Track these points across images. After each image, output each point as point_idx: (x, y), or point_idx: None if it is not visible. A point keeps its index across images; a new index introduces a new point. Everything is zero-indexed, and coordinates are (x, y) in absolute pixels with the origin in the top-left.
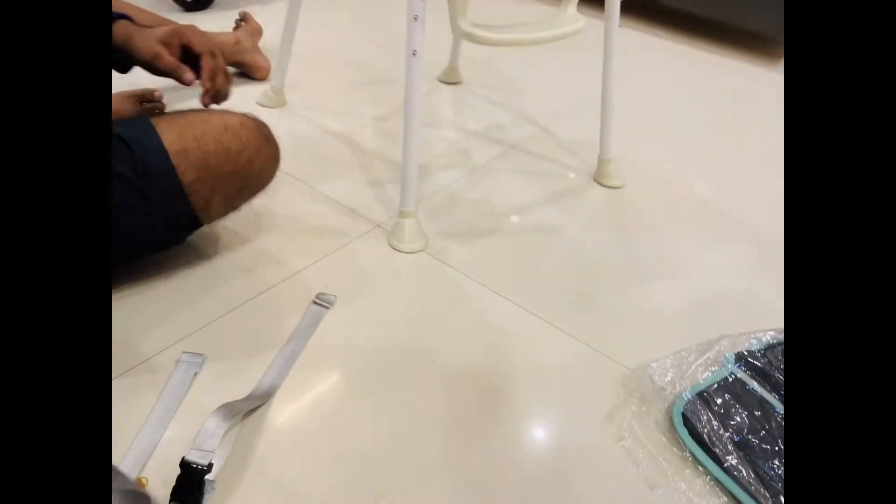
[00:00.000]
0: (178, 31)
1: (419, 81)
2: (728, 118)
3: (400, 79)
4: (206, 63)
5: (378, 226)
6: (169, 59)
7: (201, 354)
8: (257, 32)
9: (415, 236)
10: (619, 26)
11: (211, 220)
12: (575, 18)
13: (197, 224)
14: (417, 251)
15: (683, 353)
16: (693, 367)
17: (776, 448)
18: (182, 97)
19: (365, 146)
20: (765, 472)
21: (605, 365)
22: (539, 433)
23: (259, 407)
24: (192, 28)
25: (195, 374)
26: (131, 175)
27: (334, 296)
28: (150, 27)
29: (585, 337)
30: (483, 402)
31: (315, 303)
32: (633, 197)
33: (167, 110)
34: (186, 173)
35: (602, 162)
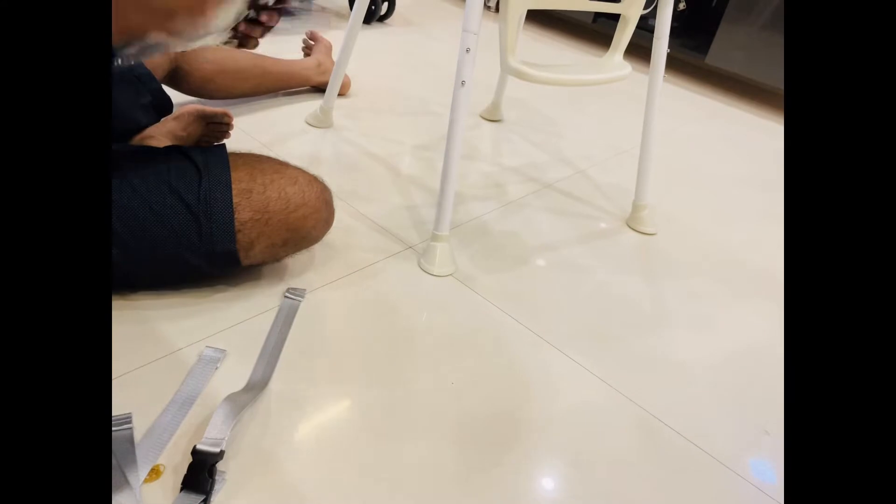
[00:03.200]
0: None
1: (464, 111)
2: (766, 177)
3: (444, 113)
4: None
5: (410, 247)
6: None
7: (223, 350)
8: (329, 48)
9: (445, 261)
10: (664, 80)
11: (250, 262)
12: (621, 65)
13: (236, 262)
14: (446, 275)
15: None
16: None
17: None
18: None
19: (404, 171)
20: None
21: (624, 406)
22: (556, 468)
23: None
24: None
25: (216, 368)
26: (193, 201)
27: (304, 289)
28: None
29: (607, 376)
30: (501, 430)
31: (287, 297)
32: (666, 245)
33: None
34: (242, 212)
35: (636, 207)
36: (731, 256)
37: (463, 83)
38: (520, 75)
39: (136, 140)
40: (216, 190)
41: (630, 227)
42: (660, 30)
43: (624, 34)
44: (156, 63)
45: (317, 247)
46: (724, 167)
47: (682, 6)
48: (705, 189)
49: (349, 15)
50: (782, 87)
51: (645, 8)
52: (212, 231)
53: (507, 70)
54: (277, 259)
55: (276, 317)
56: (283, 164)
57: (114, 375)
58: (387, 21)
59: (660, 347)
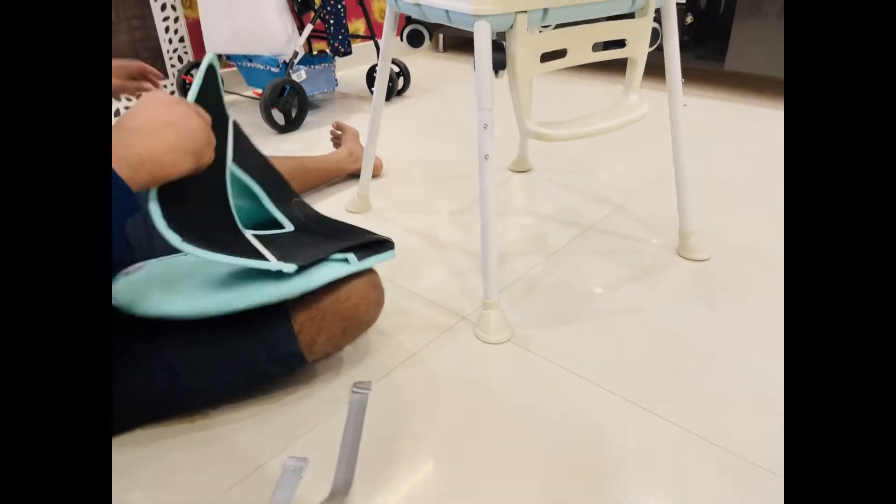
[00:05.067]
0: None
1: (492, 183)
2: None
3: (473, 173)
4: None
5: (463, 318)
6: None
7: (305, 458)
8: (356, 135)
9: (500, 327)
10: (684, 94)
11: (315, 357)
12: (637, 105)
13: (302, 361)
14: (504, 342)
15: None
16: None
17: None
18: None
19: (445, 239)
20: None
21: (706, 450)
22: None
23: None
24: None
25: (300, 477)
26: (251, 316)
27: (370, 381)
28: None
29: (683, 421)
30: (580, 495)
31: (354, 391)
32: (721, 269)
33: None
34: (298, 314)
35: (683, 235)
36: None
37: (486, 157)
38: (539, 137)
39: None
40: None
41: (681, 255)
42: (670, 62)
43: (635, 74)
44: None
45: (373, 332)
46: (762, 173)
47: (689, 19)
48: (749, 201)
49: (369, 96)
50: None
51: (650, 46)
52: (274, 340)
53: (526, 134)
54: (339, 348)
55: (348, 415)
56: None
57: (208, 499)
58: (405, 94)
59: (739, 381)
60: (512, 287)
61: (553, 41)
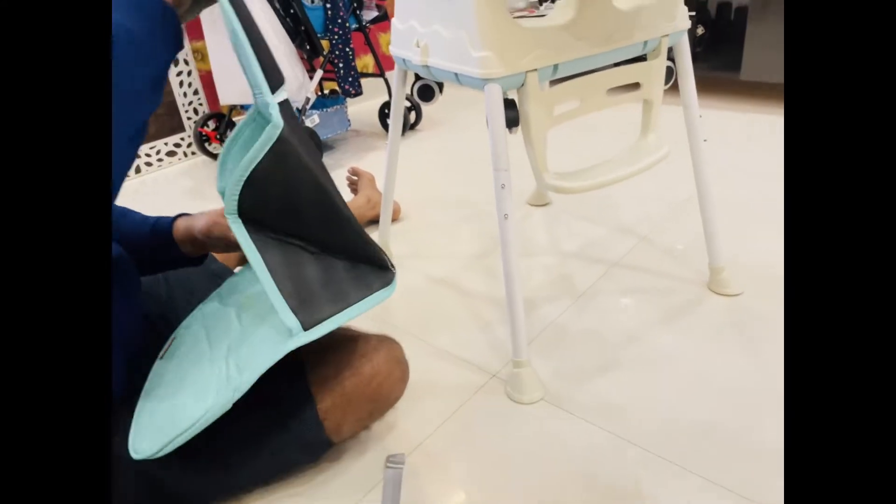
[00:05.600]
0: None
1: (514, 243)
2: None
3: (490, 209)
4: None
5: (494, 376)
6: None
7: (402, 455)
8: (372, 180)
9: (532, 386)
10: (700, 105)
11: (342, 439)
12: (657, 147)
13: (329, 445)
14: (537, 401)
15: None
16: None
17: None
18: None
19: (469, 287)
20: None
21: None
22: None
23: None
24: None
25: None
26: (273, 410)
27: (403, 454)
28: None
29: (734, 485)
30: None
31: (388, 467)
32: (756, 304)
33: None
34: (323, 401)
35: (714, 270)
36: None
37: (506, 216)
38: (558, 190)
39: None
40: (297, 407)
41: (712, 290)
42: (687, 99)
43: (651, 115)
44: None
45: (404, 400)
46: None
47: (700, 30)
48: (777, 223)
49: (383, 133)
50: None
51: (665, 84)
52: (301, 429)
53: (544, 188)
54: (367, 427)
55: (384, 492)
56: (351, 340)
57: None
58: (417, 127)
59: (781, 433)
60: (540, 337)
61: (566, 94)
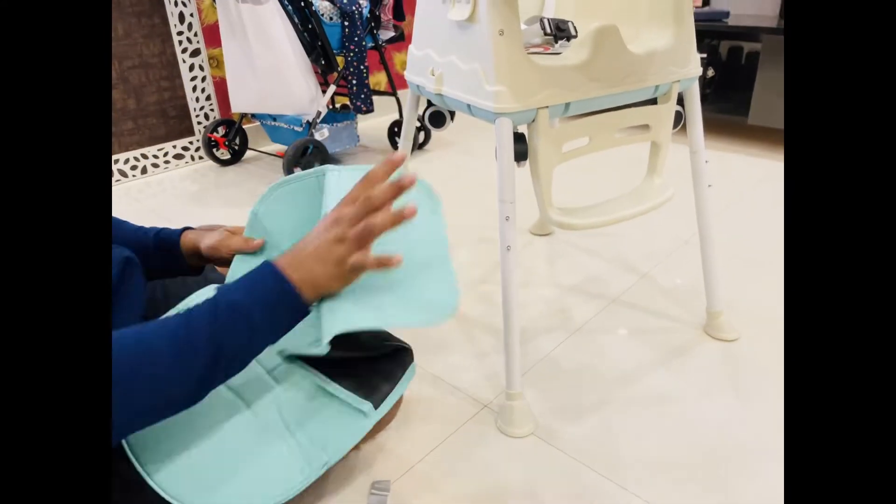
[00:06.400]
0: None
1: (515, 275)
2: None
3: (493, 236)
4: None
5: (485, 406)
6: (237, 238)
7: (388, 482)
8: None
9: (523, 419)
10: (707, 148)
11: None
12: (662, 189)
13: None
14: (527, 435)
15: None
16: None
17: None
18: None
19: (468, 313)
20: None
21: None
22: None
23: None
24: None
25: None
26: None
27: (388, 481)
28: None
29: None
30: None
31: (373, 493)
32: (751, 351)
33: None
34: None
35: (711, 314)
36: None
37: (508, 248)
38: (563, 226)
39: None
40: None
41: (709, 334)
42: (694, 145)
43: (659, 158)
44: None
45: (395, 424)
46: None
47: (710, 73)
48: (776, 269)
49: (391, 149)
50: None
51: (674, 128)
52: None
53: (549, 223)
54: (358, 448)
55: None
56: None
57: None
58: (426, 147)
59: (771, 484)
60: (535, 369)
61: (575, 131)
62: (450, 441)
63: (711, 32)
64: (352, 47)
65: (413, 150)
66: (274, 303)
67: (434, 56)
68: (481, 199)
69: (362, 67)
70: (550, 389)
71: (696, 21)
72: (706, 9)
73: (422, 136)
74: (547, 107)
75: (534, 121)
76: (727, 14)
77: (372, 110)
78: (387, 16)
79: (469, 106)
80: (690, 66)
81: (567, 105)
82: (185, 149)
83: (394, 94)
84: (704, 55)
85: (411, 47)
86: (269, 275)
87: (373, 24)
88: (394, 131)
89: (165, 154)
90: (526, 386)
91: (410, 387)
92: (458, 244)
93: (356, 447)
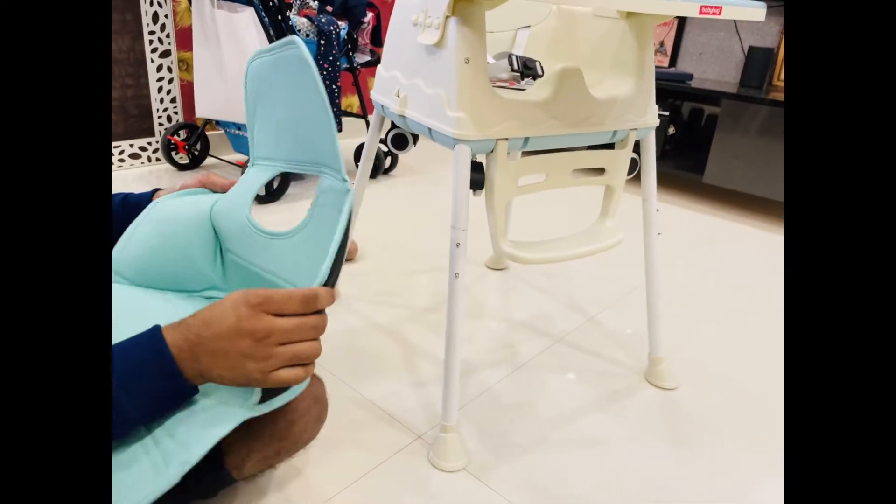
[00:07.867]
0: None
1: (461, 303)
2: (777, 301)
3: (448, 267)
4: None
5: (419, 437)
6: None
7: None
8: None
9: (456, 454)
10: (662, 200)
11: (243, 476)
12: (613, 232)
13: (231, 481)
14: (458, 470)
15: None
16: None
17: None
18: None
19: (411, 340)
20: None
21: None
22: None
23: None
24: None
25: None
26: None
27: None
28: None
29: None
30: None
31: None
32: (689, 400)
33: None
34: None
35: (653, 361)
36: (761, 407)
37: (456, 275)
38: (513, 259)
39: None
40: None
41: (649, 381)
42: (647, 193)
43: (612, 201)
44: None
45: (315, 446)
46: (735, 294)
47: (671, 130)
48: (721, 323)
49: (355, 169)
50: (782, 199)
51: (629, 174)
52: (200, 462)
53: (500, 254)
54: (272, 467)
55: None
56: None
57: None
58: (391, 173)
59: None
60: (473, 403)
61: (533, 167)
62: (376, 472)
63: (675, 92)
64: (325, 66)
65: (378, 174)
66: (158, 397)
67: (400, 77)
68: (441, 229)
69: (334, 87)
70: (487, 426)
71: (660, 79)
72: (671, 69)
73: (388, 161)
74: (507, 139)
75: (492, 151)
76: (691, 76)
77: (339, 130)
78: (364, 40)
79: (430, 130)
80: (648, 116)
81: (526, 140)
82: (143, 149)
83: (364, 117)
84: (667, 113)
85: (380, 68)
86: (157, 367)
87: (349, 46)
88: (360, 153)
89: (122, 152)
90: (462, 418)
91: (339, 408)
92: (413, 270)
93: (271, 466)
